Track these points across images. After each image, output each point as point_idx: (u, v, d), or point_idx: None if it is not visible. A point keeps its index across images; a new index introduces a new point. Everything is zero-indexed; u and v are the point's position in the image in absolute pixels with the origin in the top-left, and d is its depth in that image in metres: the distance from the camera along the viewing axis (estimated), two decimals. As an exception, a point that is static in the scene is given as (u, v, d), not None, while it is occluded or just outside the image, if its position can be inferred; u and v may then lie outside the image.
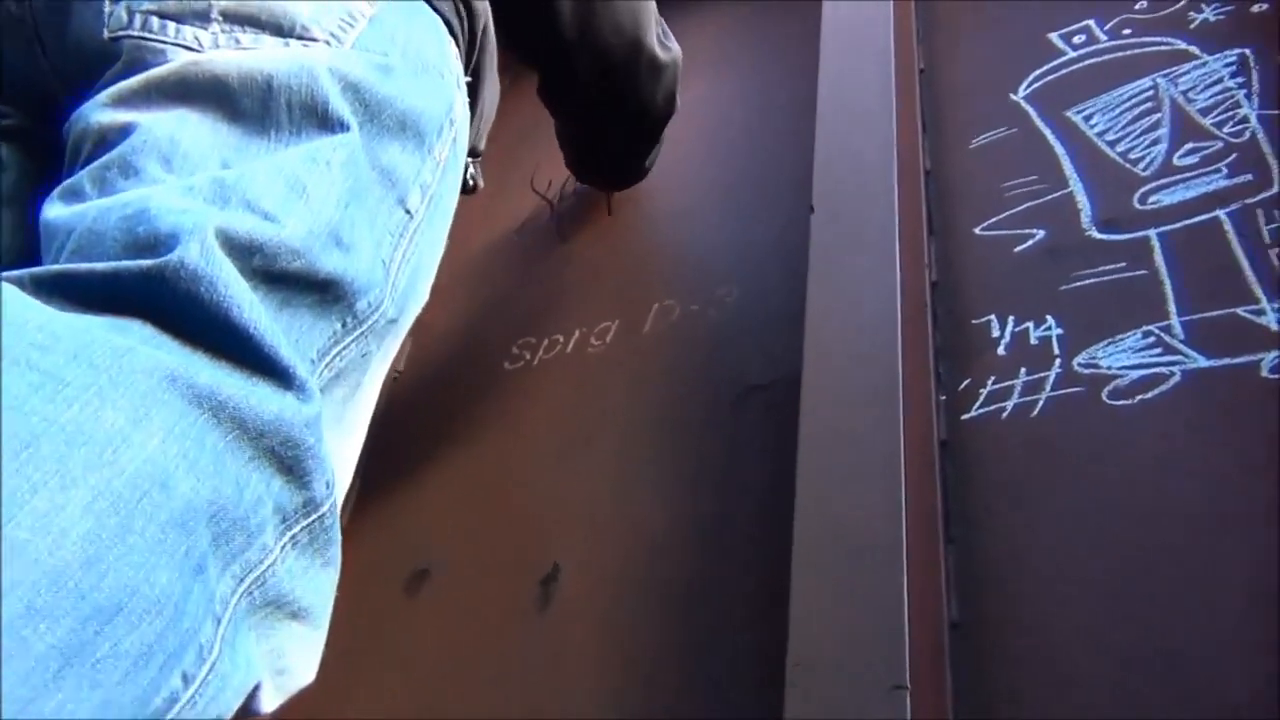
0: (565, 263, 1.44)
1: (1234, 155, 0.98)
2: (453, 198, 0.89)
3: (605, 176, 1.40)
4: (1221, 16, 1.10)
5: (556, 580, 1.03)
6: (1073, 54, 1.17)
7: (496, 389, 1.31)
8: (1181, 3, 1.13)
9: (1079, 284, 0.96)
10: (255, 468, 0.62)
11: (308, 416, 0.65)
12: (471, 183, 1.02)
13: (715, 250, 1.29)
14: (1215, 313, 0.89)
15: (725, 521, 0.99)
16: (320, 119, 0.73)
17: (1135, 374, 0.88)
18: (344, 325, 0.71)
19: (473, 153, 0.98)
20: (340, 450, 0.75)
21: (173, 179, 0.67)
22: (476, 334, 1.41)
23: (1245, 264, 0.91)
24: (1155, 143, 1.03)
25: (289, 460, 0.64)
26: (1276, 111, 0.99)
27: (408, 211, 0.79)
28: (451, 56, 0.88)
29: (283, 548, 0.65)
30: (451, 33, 0.88)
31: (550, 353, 1.31)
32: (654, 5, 1.17)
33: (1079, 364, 0.92)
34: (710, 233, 1.33)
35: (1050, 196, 1.04)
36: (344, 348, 0.72)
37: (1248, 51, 1.05)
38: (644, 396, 1.16)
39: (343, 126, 0.74)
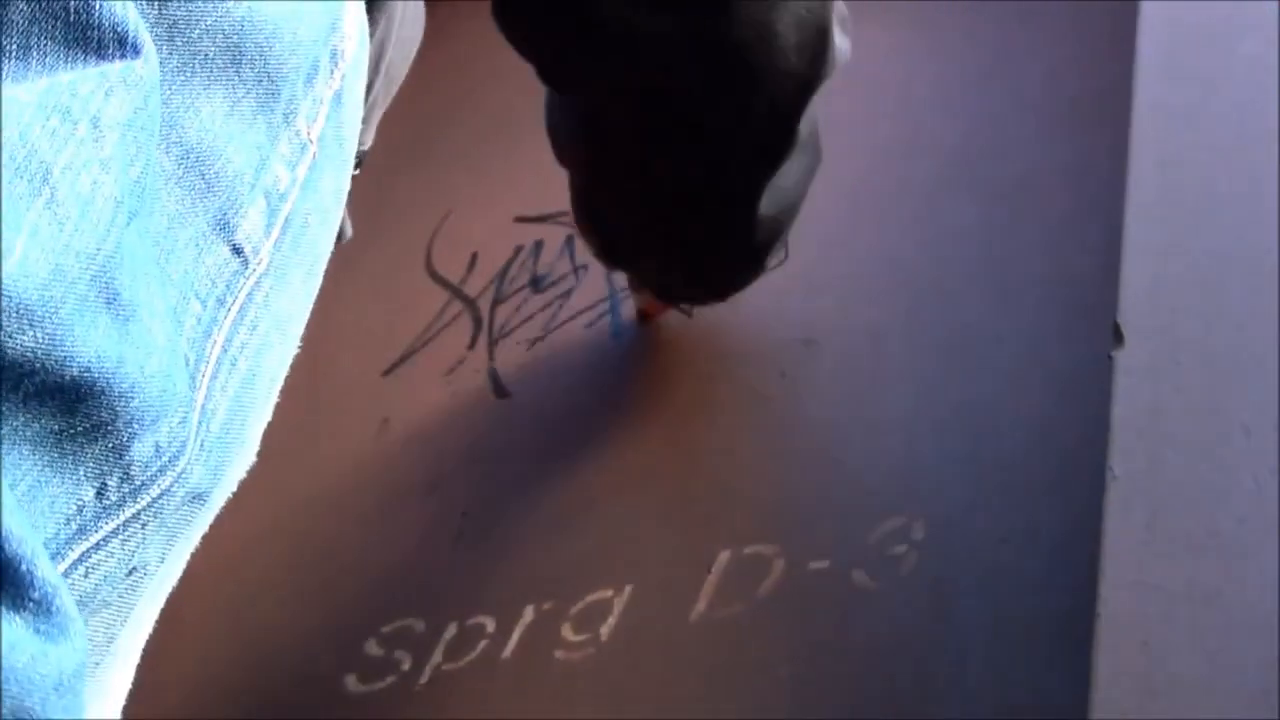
0: (507, 451, 0.96)
1: None
2: (327, 229, 0.66)
3: (689, 275, 0.93)
4: None
5: None
6: None
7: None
8: None
9: None
10: None
11: (60, 670, 0.47)
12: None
13: (874, 438, 0.86)
14: None
15: None
16: (82, 30, 0.53)
17: None
18: (102, 493, 0.52)
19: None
20: None
21: None
22: (287, 608, 0.94)
23: None
24: None
25: None
26: None
27: (236, 250, 0.59)
28: None
29: None
30: None
31: (462, 657, 0.84)
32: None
33: None
34: (856, 394, 0.89)
35: None
36: (98, 544, 0.53)
37: None
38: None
39: (127, 48, 0.54)
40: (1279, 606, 0.64)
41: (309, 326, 1.02)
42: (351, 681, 0.86)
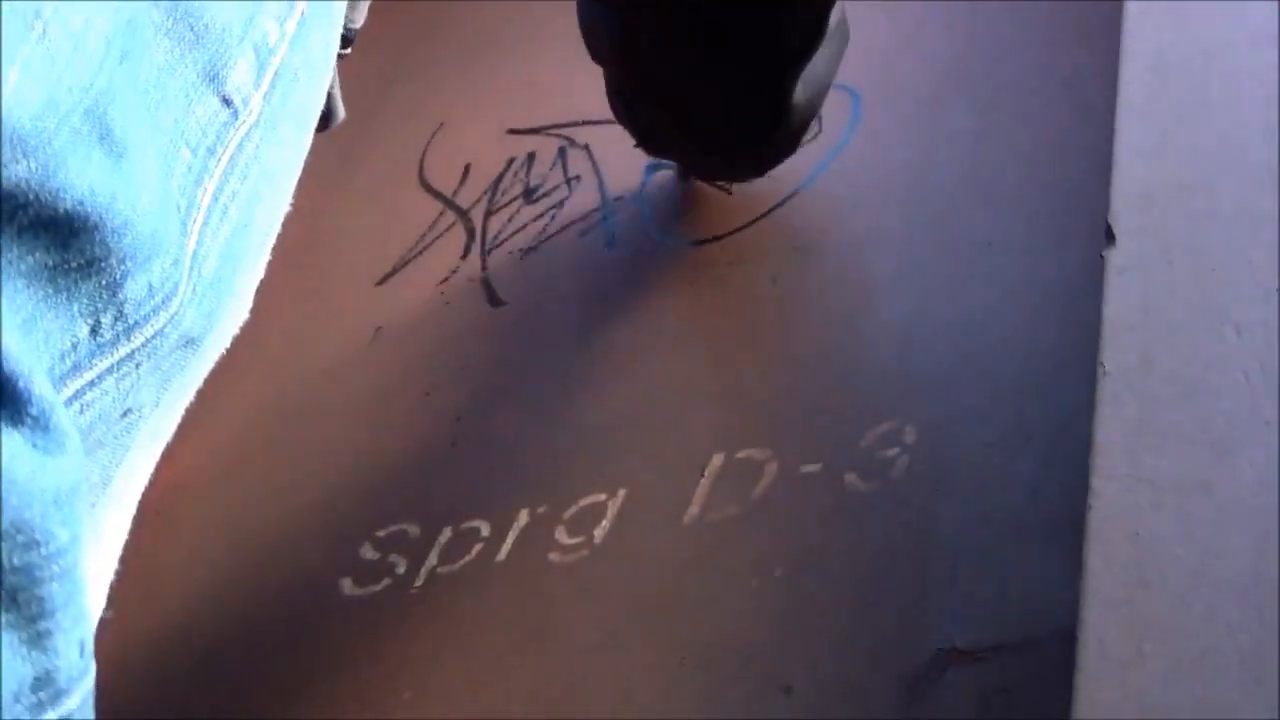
0: (501, 358, 0.94)
1: None
2: (316, 86, 0.63)
3: (727, 160, 0.93)
4: None
5: None
6: None
7: (324, 642, 0.82)
8: None
9: None
10: None
11: (59, 483, 0.45)
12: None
13: (866, 344, 0.84)
14: None
15: None
16: None
17: None
18: (96, 330, 0.51)
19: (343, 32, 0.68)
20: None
21: None
22: (283, 514, 0.92)
23: None
24: None
25: (15, 578, 0.43)
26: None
27: (226, 101, 0.57)
28: None
29: None
30: None
31: (456, 560, 0.83)
32: None
33: None
34: (847, 298, 0.88)
35: None
36: (92, 382, 0.51)
37: None
38: (686, 675, 0.73)
39: None
40: (1266, 499, 0.61)
41: (301, 237, 0.99)
42: (347, 585, 0.85)
